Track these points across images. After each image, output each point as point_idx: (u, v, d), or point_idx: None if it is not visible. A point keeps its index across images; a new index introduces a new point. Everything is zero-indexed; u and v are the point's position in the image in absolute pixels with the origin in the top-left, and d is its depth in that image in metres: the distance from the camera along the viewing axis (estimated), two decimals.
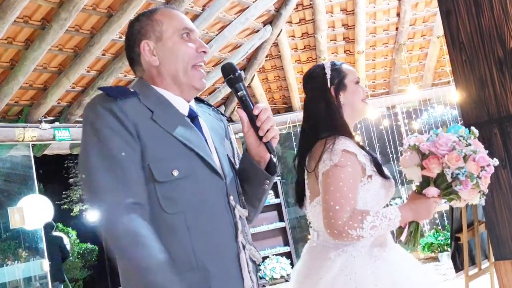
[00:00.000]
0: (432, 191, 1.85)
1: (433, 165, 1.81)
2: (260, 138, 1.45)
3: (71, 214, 17.47)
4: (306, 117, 2.13)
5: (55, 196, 15.32)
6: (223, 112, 1.36)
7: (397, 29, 8.38)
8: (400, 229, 1.93)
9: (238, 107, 1.67)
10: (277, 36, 8.11)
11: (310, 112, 2.11)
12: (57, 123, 6.74)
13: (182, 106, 1.50)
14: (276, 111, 9.26)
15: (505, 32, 2.42)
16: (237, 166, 1.59)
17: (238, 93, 1.46)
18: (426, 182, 1.87)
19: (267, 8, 7.34)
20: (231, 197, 1.46)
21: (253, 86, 8.79)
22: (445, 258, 7.57)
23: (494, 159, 1.85)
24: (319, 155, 1.93)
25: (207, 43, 7.24)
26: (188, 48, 1.49)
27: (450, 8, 2.59)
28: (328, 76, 2.07)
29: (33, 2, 5.05)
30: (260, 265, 8.38)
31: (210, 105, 1.67)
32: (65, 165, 17.11)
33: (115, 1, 5.68)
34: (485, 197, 1.89)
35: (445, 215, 8.66)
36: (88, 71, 6.46)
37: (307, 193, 2.05)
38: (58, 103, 6.69)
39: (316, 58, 8.59)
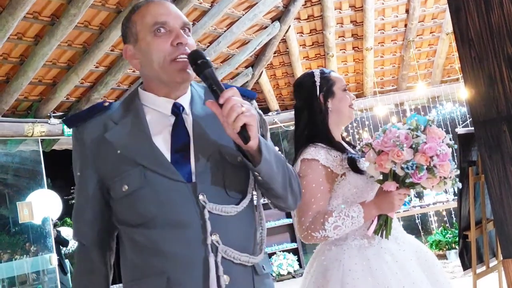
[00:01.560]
0: (388, 185, 1.92)
1: (384, 161, 1.88)
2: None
3: None
4: (295, 124, 2.24)
5: (64, 191, 15.40)
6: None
7: (406, 25, 8.35)
8: (371, 222, 2.00)
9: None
10: (286, 33, 8.11)
11: (298, 119, 2.21)
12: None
13: (164, 106, 1.44)
14: (284, 108, 9.26)
15: None
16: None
17: (206, 82, 1.33)
18: (385, 177, 1.94)
19: (276, 4, 7.33)
20: (201, 196, 1.35)
21: (261, 82, 8.79)
22: (453, 255, 7.56)
23: (443, 147, 1.86)
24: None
25: (215, 39, 7.25)
26: (161, 45, 1.39)
27: (460, 5, 2.57)
28: (318, 84, 2.17)
29: None
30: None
31: None
32: None
33: None
34: (456, 182, 1.94)
35: (453, 212, 8.63)
36: (97, 67, 6.49)
37: None
38: (67, 99, 6.73)
39: (324, 55, 8.58)
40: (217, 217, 1.35)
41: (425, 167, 1.84)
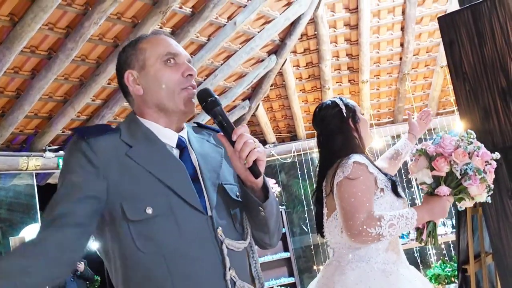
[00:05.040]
0: (444, 189, 1.96)
1: (441, 164, 1.93)
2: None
3: None
4: (324, 153, 2.28)
5: None
6: None
7: (401, 59, 8.43)
8: (419, 231, 2.05)
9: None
10: (282, 66, 8.17)
11: (329, 148, 2.26)
12: (61, 152, 6.75)
13: (170, 137, 1.45)
14: (281, 140, 9.25)
15: (508, 63, 2.42)
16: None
17: (216, 119, 1.39)
18: (437, 182, 1.99)
19: (272, 38, 7.41)
20: (219, 231, 1.37)
21: (258, 114, 8.81)
22: None
23: (496, 153, 1.99)
24: (334, 172, 2.11)
25: (212, 73, 7.30)
26: (172, 74, 1.45)
27: (453, 39, 2.60)
28: (344, 110, 2.26)
29: (40, 33, 5.12)
30: None
31: (214, 130, 1.59)
32: None
33: (121, 32, 5.75)
34: (491, 193, 2.01)
35: (452, 245, 8.56)
36: (93, 100, 6.51)
37: (325, 211, 2.18)
38: (63, 132, 6.72)
39: (320, 87, 8.63)
40: (230, 252, 1.38)
41: (482, 170, 1.92)
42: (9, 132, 5.99)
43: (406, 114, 8.99)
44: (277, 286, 8.37)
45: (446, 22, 2.63)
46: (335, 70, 8.54)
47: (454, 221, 7.98)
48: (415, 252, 8.90)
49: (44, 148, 6.53)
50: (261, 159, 1.35)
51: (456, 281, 7.18)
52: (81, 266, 7.27)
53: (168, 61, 1.46)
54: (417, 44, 8.23)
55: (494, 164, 1.97)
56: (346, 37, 8.10)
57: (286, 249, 8.67)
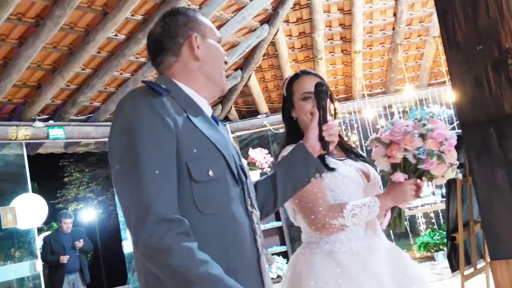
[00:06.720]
0: (397, 176, 1.95)
1: (394, 151, 1.92)
2: (321, 137, 1.69)
3: None
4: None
5: (50, 195, 15.27)
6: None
7: (393, 29, 8.38)
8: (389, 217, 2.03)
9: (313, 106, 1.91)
10: (274, 35, 8.10)
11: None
12: (51, 122, 6.70)
13: (207, 108, 1.53)
14: (274, 110, 9.23)
15: (501, 33, 2.40)
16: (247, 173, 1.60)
17: (322, 102, 1.76)
18: (394, 169, 1.97)
19: (264, 7, 7.32)
20: (249, 202, 1.49)
21: (250, 85, 8.77)
22: (441, 257, 7.58)
23: (453, 132, 1.95)
24: None
25: None
26: (221, 56, 1.59)
27: (447, 9, 2.57)
28: (284, 94, 2.19)
29: None
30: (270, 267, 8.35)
31: None
32: (60, 164, 17.07)
33: None
34: (459, 170, 1.99)
35: (441, 214, 8.67)
36: (83, 69, 6.43)
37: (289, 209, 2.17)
38: (52, 101, 6.65)
39: (313, 57, 8.59)
40: (256, 223, 1.51)
41: (435, 152, 1.88)
42: None
43: (398, 84, 8.97)
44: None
45: None
46: (327, 40, 8.49)
47: (444, 190, 8.06)
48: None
49: (33, 117, 6.48)
50: (335, 142, 1.73)
51: (445, 248, 7.30)
52: (81, 244, 7.34)
53: (219, 43, 1.61)
54: (410, 14, 8.17)
55: (452, 142, 1.93)
56: (339, 6, 8.02)
57: (278, 218, 8.74)
